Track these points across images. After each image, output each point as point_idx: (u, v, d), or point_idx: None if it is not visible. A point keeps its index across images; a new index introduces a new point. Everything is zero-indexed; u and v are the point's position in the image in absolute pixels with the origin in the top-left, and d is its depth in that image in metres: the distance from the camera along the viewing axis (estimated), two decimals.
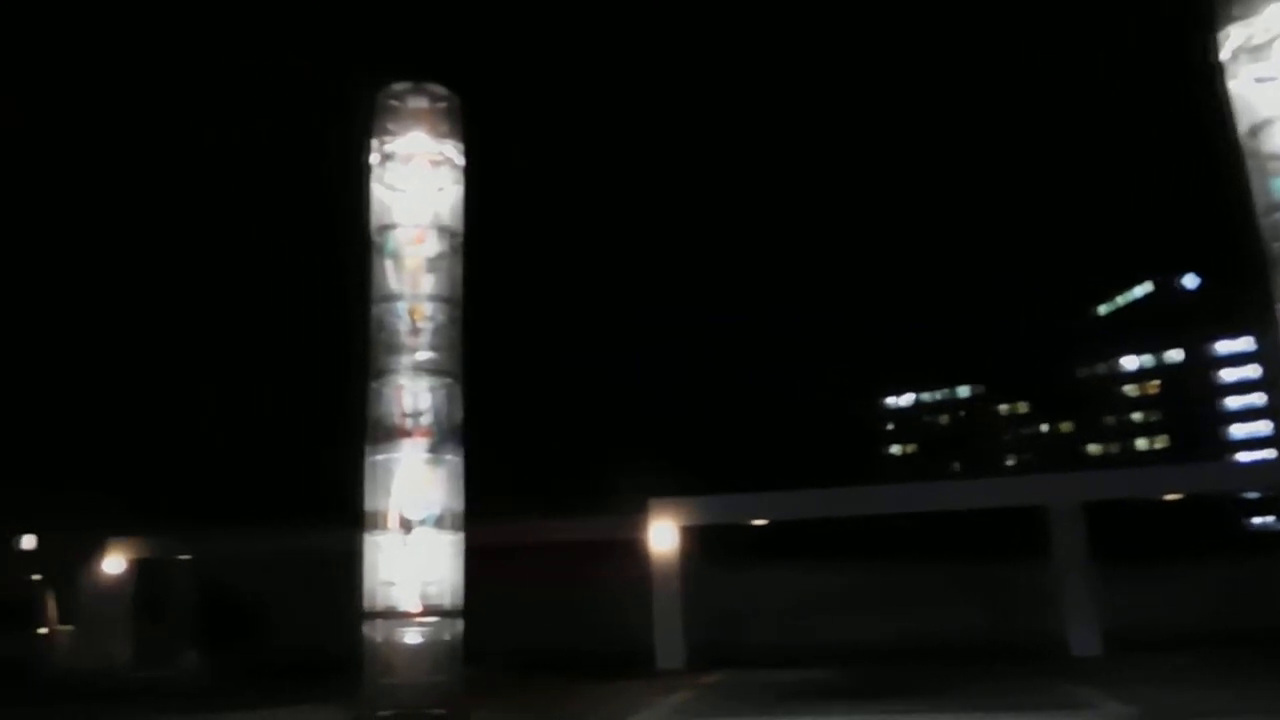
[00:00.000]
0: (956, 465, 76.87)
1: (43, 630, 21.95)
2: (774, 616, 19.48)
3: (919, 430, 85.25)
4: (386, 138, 11.38)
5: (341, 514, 14.23)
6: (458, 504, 10.68)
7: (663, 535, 18.21)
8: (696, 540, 18.62)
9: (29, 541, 23.93)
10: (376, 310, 10.99)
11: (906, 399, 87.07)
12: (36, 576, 22.63)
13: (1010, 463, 79.86)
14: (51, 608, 22.08)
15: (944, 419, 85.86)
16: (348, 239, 12.23)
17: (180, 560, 22.94)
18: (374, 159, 11.46)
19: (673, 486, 18.67)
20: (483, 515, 11.46)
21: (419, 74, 11.75)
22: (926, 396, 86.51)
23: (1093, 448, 78.75)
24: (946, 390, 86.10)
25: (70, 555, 22.75)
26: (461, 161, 11.57)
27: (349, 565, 12.85)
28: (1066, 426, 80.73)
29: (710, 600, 18.77)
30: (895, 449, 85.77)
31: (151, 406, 24.91)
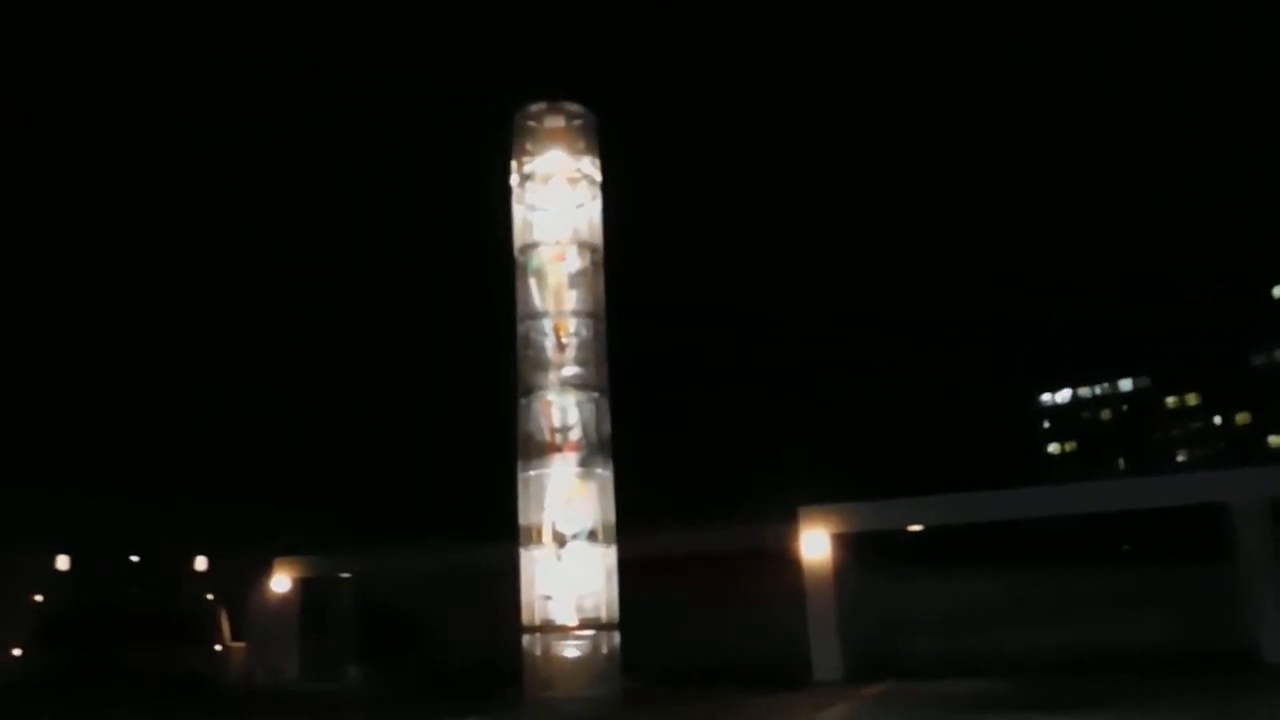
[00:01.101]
0: (1121, 463, 73.42)
1: (218, 646, 23.31)
2: (937, 625, 18.98)
3: (1079, 427, 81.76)
4: (525, 158, 11.73)
5: (497, 529, 14.67)
6: (610, 517, 10.88)
7: (815, 544, 18.00)
8: (850, 548, 18.33)
9: (202, 563, 25.34)
10: (523, 328, 11.32)
11: (1064, 395, 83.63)
12: (210, 596, 24.06)
13: (1181, 459, 75.71)
14: (225, 625, 23.43)
15: (1106, 414, 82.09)
16: (493, 259, 12.61)
17: (342, 578, 23.97)
18: (514, 180, 11.82)
19: (823, 494, 18.44)
20: (635, 528, 11.61)
21: (552, 93, 12.07)
22: (1085, 392, 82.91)
23: (1275, 440, 73.92)
24: (1107, 384, 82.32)
25: (240, 575, 24.07)
26: (599, 177, 11.81)
27: (506, 579, 13.22)
28: (1243, 418, 76.01)
29: (868, 609, 18.44)
30: (1053, 448, 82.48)
31: (312, 429, 26.18)
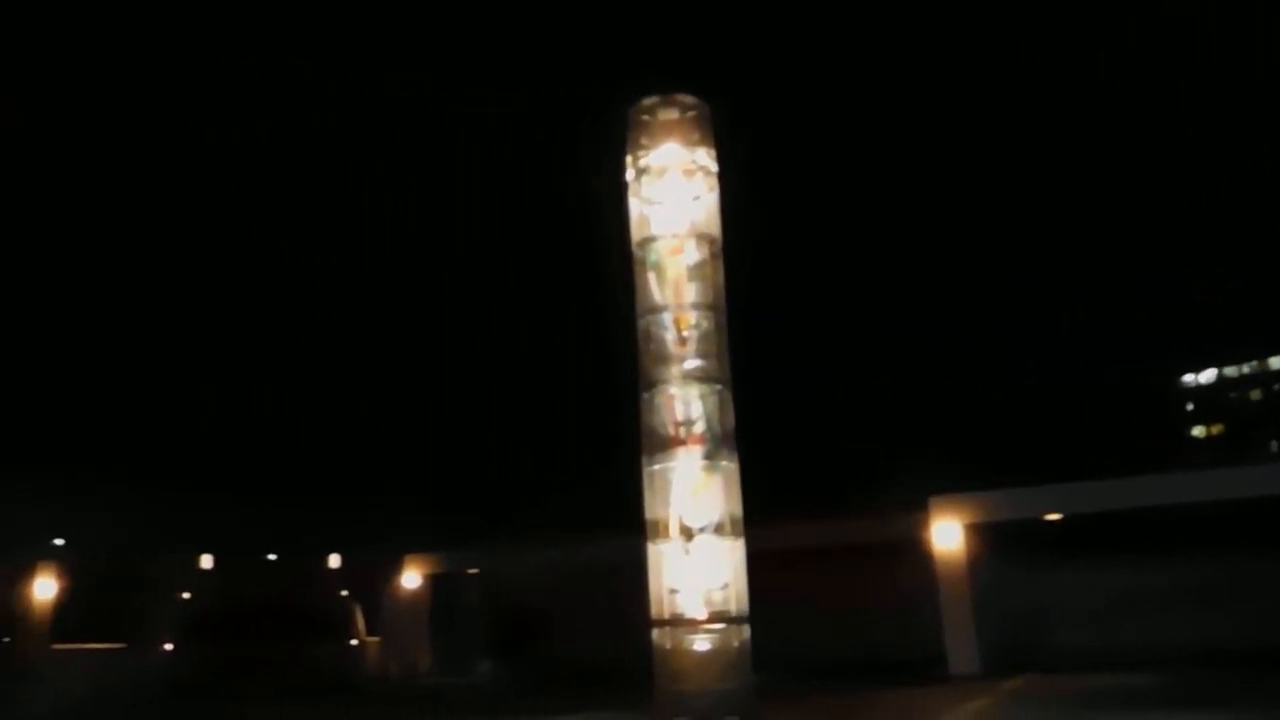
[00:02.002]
0: (1274, 446, 69.74)
1: (354, 641, 24.22)
2: (1077, 617, 18.42)
3: (1225, 409, 77.96)
4: (640, 152, 11.81)
5: (621, 524, 14.86)
6: (737, 510, 10.89)
7: (947, 534, 17.71)
8: (984, 538, 17.95)
9: (335, 560, 26.33)
10: (643, 322, 11.42)
11: (1208, 375, 79.83)
12: (345, 592, 25.00)
13: None
14: (360, 620, 24.32)
15: (1255, 394, 78.03)
16: (610, 254, 12.76)
17: (470, 574, 24.64)
18: (629, 174, 11.93)
19: (953, 483, 18.10)
20: (762, 521, 11.61)
21: (666, 85, 12.13)
22: (1231, 371, 78.97)
23: None
24: (1255, 363, 78.20)
25: (372, 572, 24.97)
26: (715, 168, 11.83)
27: (631, 574, 13.38)
28: None
29: (1004, 601, 18.02)
30: (1198, 431, 78.85)
31: (440, 427, 26.93)
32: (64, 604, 22.63)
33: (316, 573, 25.21)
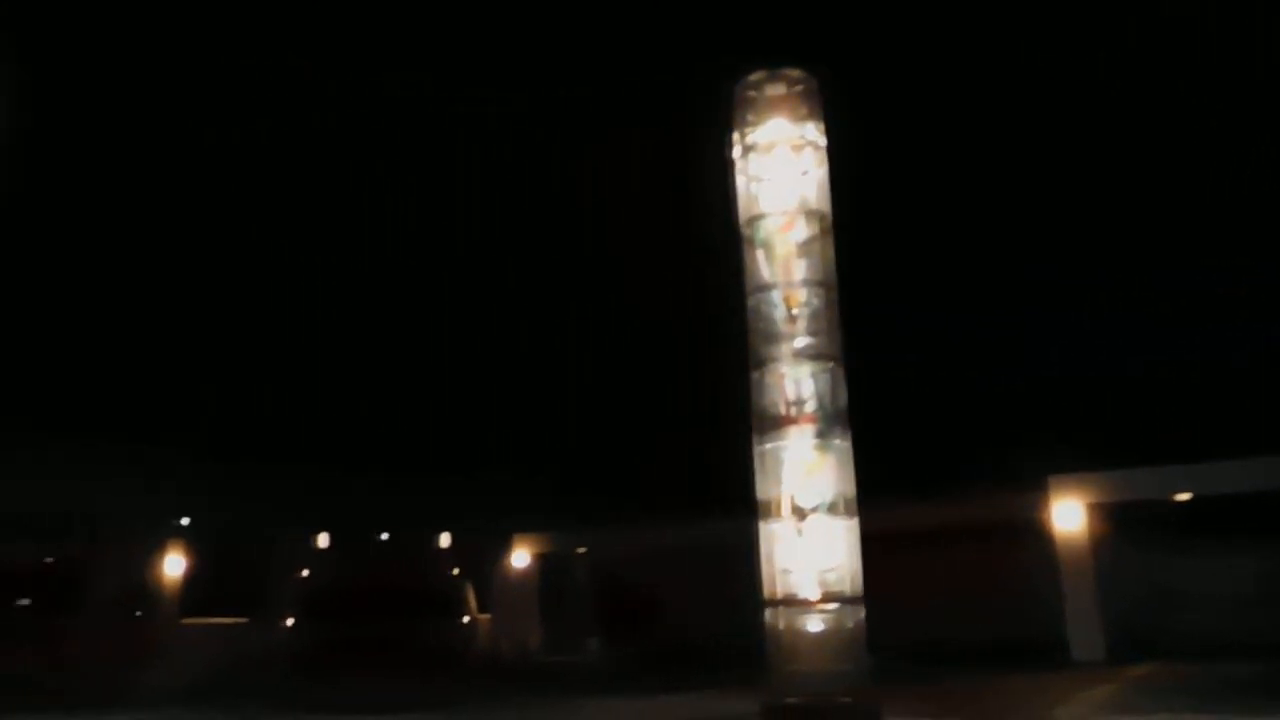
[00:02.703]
0: None
1: (466, 619, 24.87)
2: (1208, 601, 17.82)
3: None
4: (747, 128, 11.79)
5: (730, 503, 14.94)
6: (850, 489, 10.85)
7: (1068, 514, 17.32)
8: (1109, 518, 17.49)
9: (445, 539, 27.03)
10: (752, 301, 11.42)
11: None
12: (456, 571, 25.67)
13: None
14: (472, 599, 24.95)
15: None
16: (715, 232, 12.80)
17: (578, 553, 25.07)
18: (735, 151, 11.93)
19: (1074, 462, 17.67)
20: (876, 500, 11.56)
21: (771, 59, 12.09)
22: None
23: None
24: None
25: (481, 551, 25.59)
26: (824, 142, 11.75)
27: (740, 554, 13.46)
28: None
29: (1129, 584, 17.53)
30: None
31: (548, 406, 27.34)
32: (191, 581, 23.79)
33: (428, 551, 25.91)
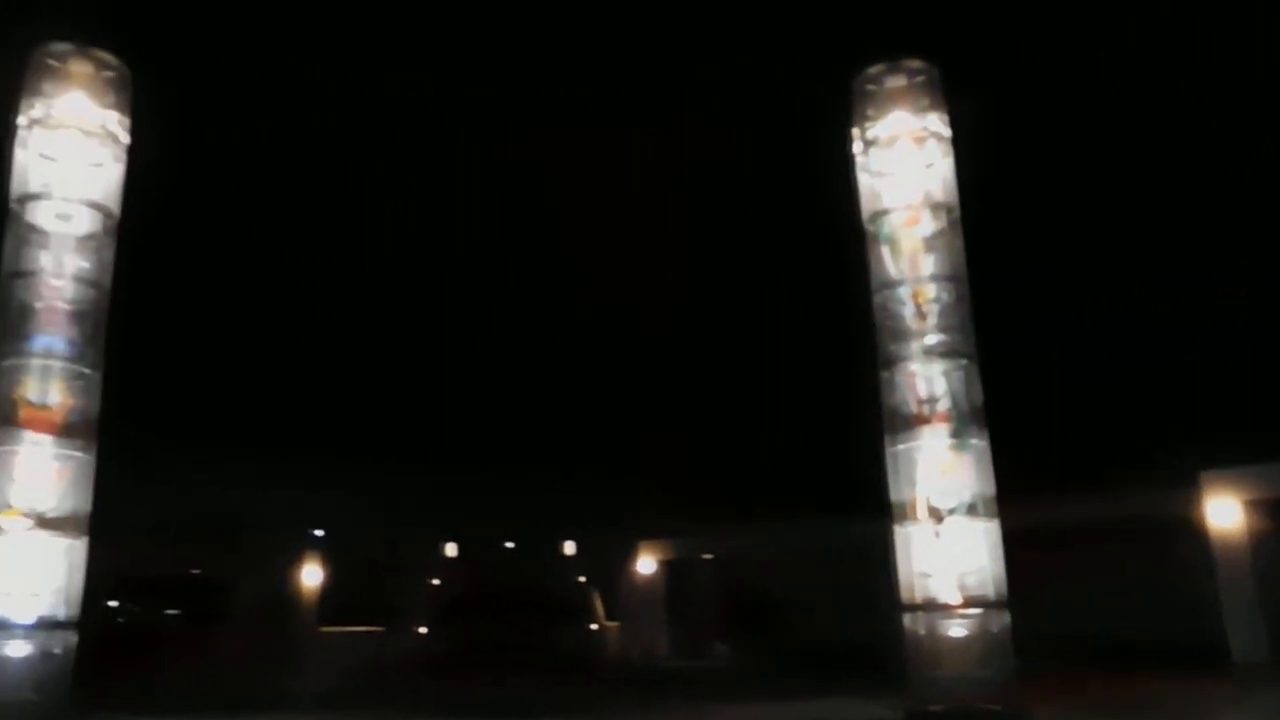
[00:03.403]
0: None
1: (594, 626, 25.14)
2: None
3: None
4: (867, 123, 11.68)
5: (860, 506, 14.76)
6: (989, 489, 10.64)
7: (1223, 511, 16.56)
8: (1268, 515, 16.66)
9: (570, 547, 27.35)
10: (879, 298, 11.31)
11: None
12: (583, 578, 25.98)
13: None
14: (599, 606, 25.21)
15: None
16: (837, 229, 12.68)
17: (704, 559, 25.10)
18: (857, 147, 11.83)
19: (1229, 455, 16.87)
20: (1017, 500, 11.27)
21: (890, 51, 11.94)
22: None
23: None
24: None
25: (606, 558, 25.84)
26: (948, 132, 11.57)
27: (872, 557, 13.28)
28: None
29: None
30: None
31: (671, 413, 27.44)
32: (327, 589, 24.68)
33: (553, 559, 26.27)
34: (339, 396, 28.23)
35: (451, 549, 26.20)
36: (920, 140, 11.45)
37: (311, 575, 24.31)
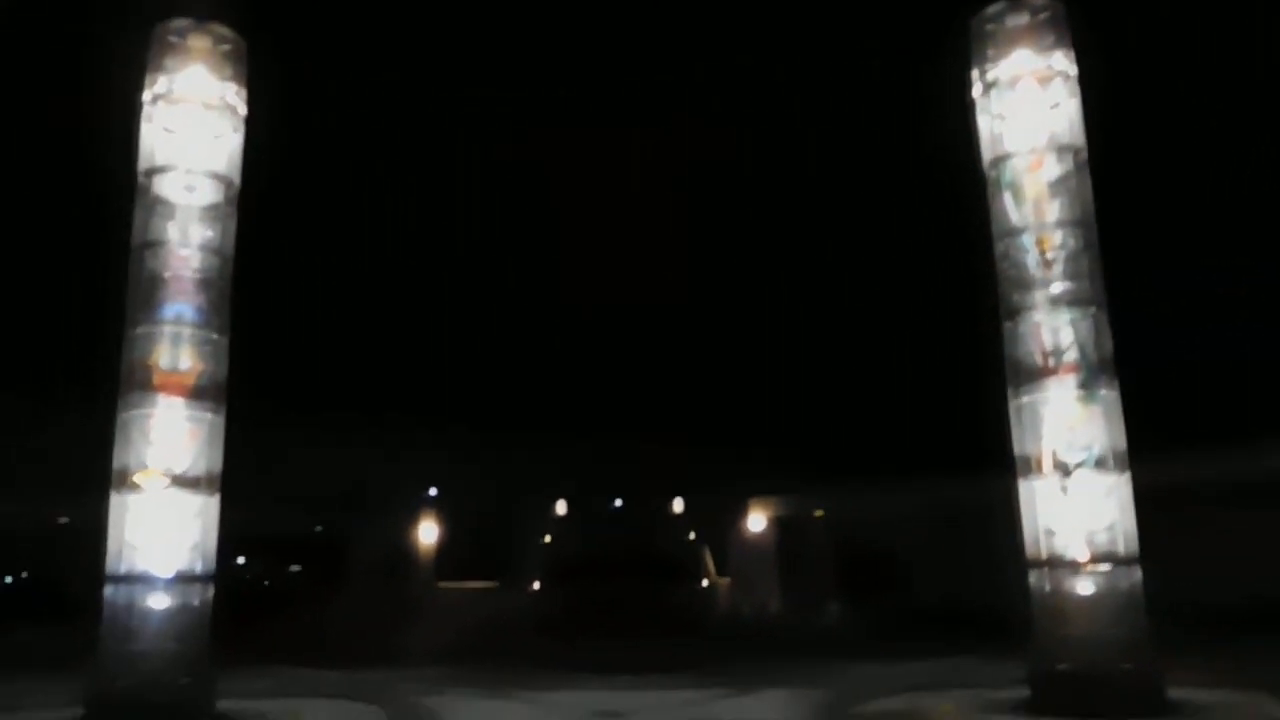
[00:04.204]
0: None
1: (705, 583, 25.30)
2: None
3: None
4: (987, 64, 11.29)
5: (977, 460, 14.47)
6: (1119, 442, 10.29)
7: None
8: None
9: (678, 504, 27.49)
10: (1000, 246, 10.98)
11: None
12: (692, 535, 26.11)
13: None
14: (710, 563, 25.34)
15: None
16: (955, 174, 12.34)
17: (815, 516, 25.00)
18: (975, 90, 11.44)
19: None
20: (1150, 454, 10.89)
21: None
22: None
23: None
24: None
25: (715, 515, 25.90)
26: (1074, 71, 11.10)
27: (990, 513, 13.01)
28: None
29: None
30: None
31: (779, 365, 27.23)
32: (443, 547, 25.35)
33: (662, 516, 26.44)
34: (456, 360, 28.77)
35: (562, 507, 26.59)
36: (1045, 80, 11.02)
37: (428, 533, 24.99)
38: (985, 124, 11.27)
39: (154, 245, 10.91)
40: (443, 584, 25.20)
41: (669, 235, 27.82)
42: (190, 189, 11.06)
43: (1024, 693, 10.37)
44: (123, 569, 10.28)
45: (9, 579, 24.70)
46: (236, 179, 11.49)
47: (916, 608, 20.31)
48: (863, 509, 22.79)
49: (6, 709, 10.65)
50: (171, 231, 10.94)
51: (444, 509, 25.72)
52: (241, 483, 11.45)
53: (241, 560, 25.85)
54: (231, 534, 11.35)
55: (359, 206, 26.93)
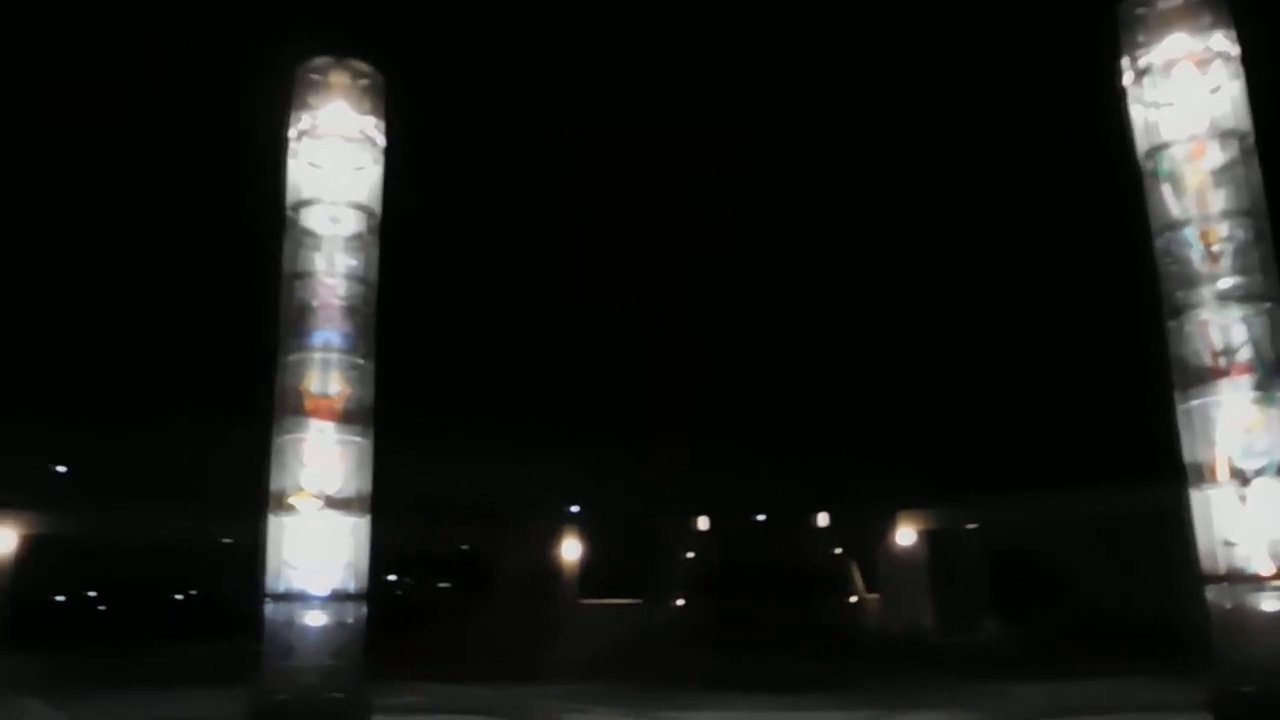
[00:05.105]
0: None
1: (853, 598, 24.80)
2: None
3: None
4: (1139, 51, 10.75)
5: (1144, 467, 13.74)
6: None
7: None
8: None
9: (823, 519, 27.03)
10: (1161, 241, 10.41)
11: None
12: (839, 550, 25.66)
13: None
14: (857, 578, 24.83)
15: None
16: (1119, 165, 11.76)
17: (968, 529, 24.17)
18: (1127, 78, 10.92)
19: None
20: None
21: None
22: None
23: None
24: None
25: (862, 529, 25.36)
26: (1236, 51, 10.47)
27: (1157, 524, 12.32)
28: None
29: None
30: None
31: (923, 375, 26.55)
32: (587, 564, 25.53)
33: (806, 531, 26.08)
34: (599, 379, 29.05)
35: (705, 522, 26.50)
36: (1203, 63, 10.42)
37: (571, 550, 25.22)
38: (1139, 113, 10.74)
39: (303, 275, 11.35)
40: (585, 600, 25.38)
41: (819, 244, 27.51)
42: (334, 220, 11.47)
43: (1205, 718, 9.75)
44: (281, 587, 10.69)
45: (179, 596, 26.06)
46: (377, 208, 11.87)
47: (1078, 624, 19.41)
48: (1018, 520, 21.91)
49: None
50: (318, 262, 11.37)
51: (586, 525, 25.90)
52: (391, 502, 11.78)
53: (392, 577, 26.60)
54: (382, 552, 11.69)
55: (499, 223, 27.51)
